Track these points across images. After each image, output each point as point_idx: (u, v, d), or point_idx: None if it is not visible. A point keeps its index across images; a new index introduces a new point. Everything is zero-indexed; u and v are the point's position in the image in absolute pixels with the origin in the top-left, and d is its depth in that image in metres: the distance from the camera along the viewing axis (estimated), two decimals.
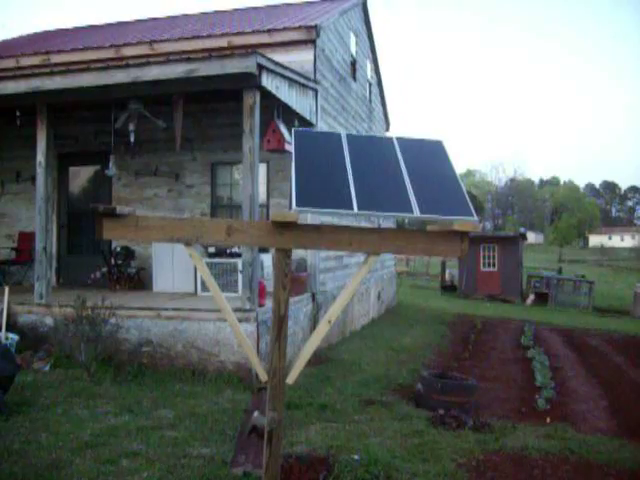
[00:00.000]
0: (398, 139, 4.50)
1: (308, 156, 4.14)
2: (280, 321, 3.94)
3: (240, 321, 8.15)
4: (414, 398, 8.18)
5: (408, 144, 4.45)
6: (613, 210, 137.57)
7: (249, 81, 8.16)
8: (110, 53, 12.25)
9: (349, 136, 4.45)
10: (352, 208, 3.73)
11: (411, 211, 3.78)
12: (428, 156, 4.39)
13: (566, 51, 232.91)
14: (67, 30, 17.67)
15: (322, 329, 4.07)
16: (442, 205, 3.89)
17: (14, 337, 8.82)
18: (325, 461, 5.32)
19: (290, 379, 4.02)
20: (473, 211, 3.85)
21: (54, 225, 12.24)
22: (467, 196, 3.99)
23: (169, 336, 8.64)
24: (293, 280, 10.38)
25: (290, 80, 9.53)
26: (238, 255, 9.83)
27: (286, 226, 3.83)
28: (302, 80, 10.17)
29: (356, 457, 5.53)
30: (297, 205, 3.67)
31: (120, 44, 12.36)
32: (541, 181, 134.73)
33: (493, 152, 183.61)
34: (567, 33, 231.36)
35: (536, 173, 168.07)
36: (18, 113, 10.01)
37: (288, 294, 3.97)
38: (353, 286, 4.02)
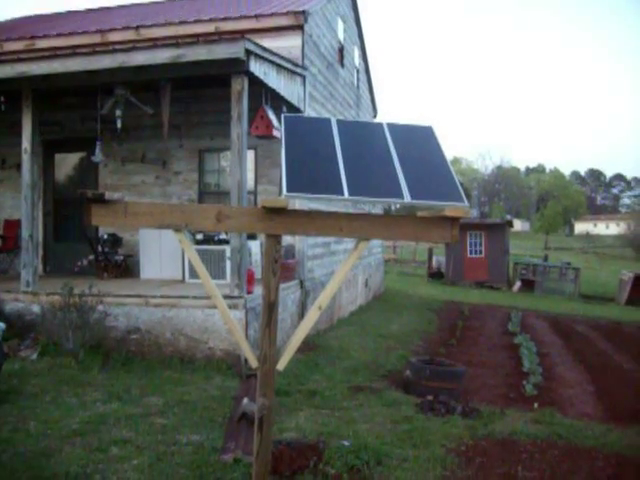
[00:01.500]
0: (388, 125, 4.48)
1: (298, 142, 4.11)
2: (270, 307, 3.94)
3: (229, 308, 8.11)
4: (403, 384, 8.21)
5: (398, 130, 4.43)
6: (598, 198, 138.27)
7: (237, 67, 8.10)
8: (96, 38, 12.11)
9: (339, 122, 4.43)
10: (343, 194, 3.72)
11: (402, 197, 3.77)
12: (418, 142, 4.38)
13: (550, 36, 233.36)
14: (52, 15, 17.43)
15: (312, 315, 4.07)
16: (433, 191, 3.88)
17: (0, 325, 8.72)
18: (315, 447, 5.33)
19: (280, 365, 4.01)
20: (464, 197, 3.85)
21: (40, 212, 12.13)
22: (458, 182, 3.99)
23: (157, 323, 8.61)
24: (281, 267, 10.34)
25: (278, 66, 9.47)
26: (226, 242, 9.79)
27: (276, 212, 3.81)
28: (290, 66, 10.11)
29: (346, 443, 5.54)
30: (288, 191, 3.65)
31: (106, 29, 12.22)
32: (527, 169, 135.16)
33: (479, 140, 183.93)
34: (551, 17, 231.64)
35: (522, 161, 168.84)
36: (2, 98, 9.88)
37: (278, 280, 3.96)
38: (343, 271, 4.01)
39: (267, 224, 3.86)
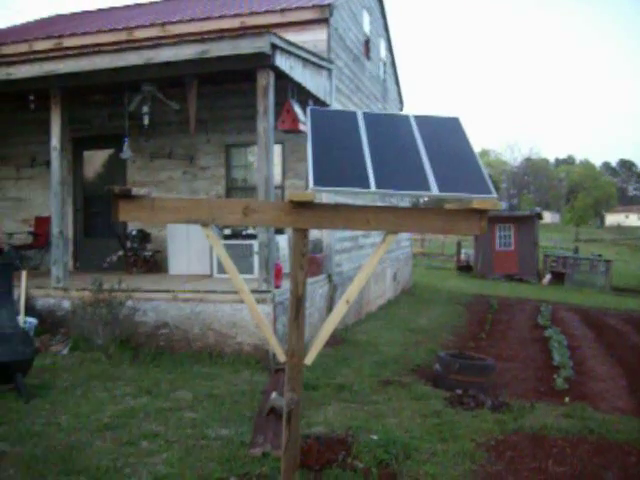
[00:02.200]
0: (415, 117, 4.43)
1: (324, 135, 4.09)
2: (298, 301, 3.92)
3: (257, 302, 8.11)
4: (432, 378, 8.17)
5: (425, 121, 4.39)
6: (630, 189, 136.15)
7: (263, 61, 8.09)
8: (122, 36, 12.20)
9: (365, 114, 4.39)
10: (369, 187, 3.69)
11: (429, 189, 3.73)
12: (445, 133, 4.33)
13: (580, 29, 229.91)
14: (79, 14, 17.62)
15: (340, 309, 4.05)
16: (460, 183, 3.84)
17: (32, 321, 8.88)
18: (344, 441, 5.32)
19: (308, 360, 4.00)
20: (492, 188, 3.80)
21: (70, 209, 12.26)
22: (486, 173, 3.93)
23: (186, 318, 8.66)
24: (309, 261, 10.36)
25: (304, 60, 9.44)
26: (254, 237, 9.81)
27: (303, 206, 3.79)
28: (316, 60, 10.08)
29: (375, 437, 5.52)
30: (314, 184, 3.63)
31: (132, 26, 12.31)
32: (557, 160, 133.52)
33: (508, 131, 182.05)
34: (583, 10, 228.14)
35: (552, 152, 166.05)
36: (32, 97, 9.99)
37: (306, 274, 3.94)
38: (371, 265, 3.98)
39: (294, 218, 3.84)
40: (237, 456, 5.03)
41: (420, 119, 4.41)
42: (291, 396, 3.94)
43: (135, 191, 3.88)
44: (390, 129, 4.31)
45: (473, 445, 5.57)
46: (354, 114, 4.40)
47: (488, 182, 3.85)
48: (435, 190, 3.72)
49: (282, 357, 4.00)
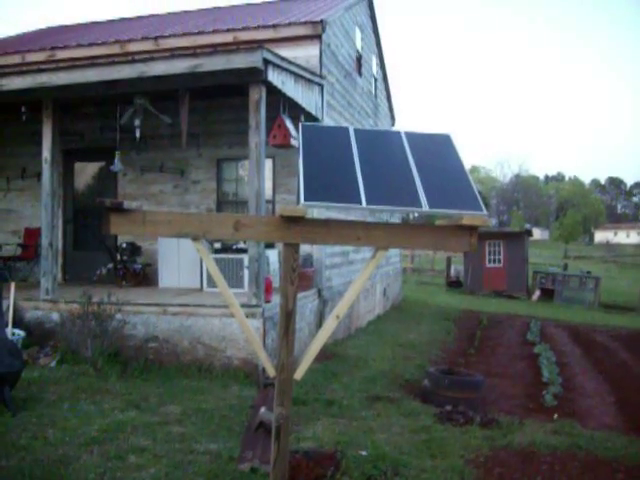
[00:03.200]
0: (406, 133, 4.46)
1: (316, 150, 4.11)
2: (288, 316, 3.93)
3: (247, 317, 8.11)
4: (421, 394, 8.16)
5: (416, 138, 4.42)
6: (619, 206, 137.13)
7: (255, 76, 8.13)
8: (115, 49, 12.22)
9: (357, 130, 4.42)
10: (361, 203, 3.71)
11: (420, 205, 3.76)
12: (436, 150, 4.36)
13: (571, 48, 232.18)
14: (72, 26, 17.66)
15: (330, 324, 4.06)
16: (451, 199, 3.86)
17: (20, 333, 8.82)
18: (332, 457, 5.30)
19: (298, 375, 4.00)
20: (482, 205, 3.83)
21: (60, 221, 12.24)
22: (476, 190, 3.96)
23: (175, 332, 8.63)
24: (299, 276, 10.34)
25: (296, 75, 9.50)
26: (244, 251, 9.81)
27: (294, 221, 3.80)
28: (308, 75, 10.14)
29: (364, 453, 5.52)
30: (305, 199, 3.65)
31: (125, 40, 12.34)
32: (546, 177, 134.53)
33: (498, 148, 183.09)
34: (573, 32, 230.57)
35: (541, 169, 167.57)
36: (23, 109, 9.98)
37: (296, 289, 3.95)
38: (361, 280, 4.00)
39: (285, 233, 3.85)
40: (225, 471, 5.01)
41: (411, 135, 4.44)
42: (280, 411, 3.94)
43: (126, 204, 3.89)
44: (381, 145, 4.34)
45: (462, 461, 5.57)
46: (346, 130, 4.43)
47: (478, 199, 3.87)
48: (425, 206, 3.74)
49: (272, 372, 4.00)
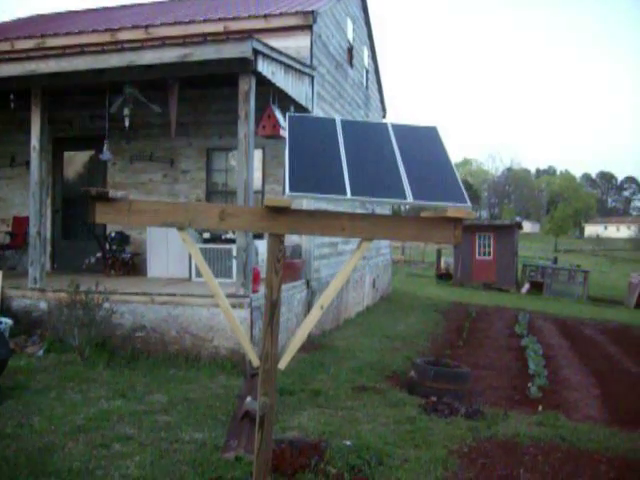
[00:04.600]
0: (393, 125, 4.47)
1: (302, 141, 4.12)
2: (272, 306, 3.93)
3: (234, 307, 8.13)
4: (407, 385, 8.19)
5: (402, 130, 4.43)
6: (609, 200, 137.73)
7: (245, 66, 8.11)
8: (106, 37, 12.16)
9: (344, 122, 4.43)
10: (345, 193, 3.72)
11: (404, 197, 3.77)
12: (422, 142, 4.37)
13: (563, 39, 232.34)
14: (62, 14, 17.53)
15: (314, 314, 4.07)
16: (435, 191, 3.88)
17: (8, 321, 8.80)
18: (317, 446, 5.33)
19: (282, 364, 4.02)
20: (467, 197, 3.84)
21: (49, 210, 12.18)
22: (461, 182, 3.98)
23: (163, 321, 8.63)
24: (288, 266, 10.37)
25: (286, 66, 9.48)
26: (233, 241, 9.81)
27: (280, 211, 3.81)
28: (298, 66, 10.12)
29: (348, 443, 5.55)
30: (290, 190, 3.66)
31: (116, 28, 12.27)
32: (538, 171, 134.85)
33: (490, 141, 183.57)
34: (565, 22, 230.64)
35: (533, 162, 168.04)
36: (12, 96, 9.92)
37: (281, 280, 3.96)
38: (346, 271, 4.01)
39: (270, 223, 3.86)
40: (210, 460, 5.03)
41: (398, 127, 4.45)
42: (264, 400, 3.95)
43: (112, 193, 3.89)
44: (368, 137, 4.34)
45: (446, 452, 5.61)
46: (333, 121, 4.43)
47: (463, 191, 3.89)
48: (410, 198, 3.75)
49: (256, 361, 4.01)
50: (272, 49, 8.72)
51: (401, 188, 3.82)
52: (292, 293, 10.17)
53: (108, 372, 7.67)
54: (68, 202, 13.09)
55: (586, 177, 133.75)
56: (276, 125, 9.55)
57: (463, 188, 3.93)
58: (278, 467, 4.81)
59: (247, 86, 8.24)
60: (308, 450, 5.20)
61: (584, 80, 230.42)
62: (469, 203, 3.81)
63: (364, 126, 4.74)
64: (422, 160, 4.16)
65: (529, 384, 8.92)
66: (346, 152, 4.05)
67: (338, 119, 4.45)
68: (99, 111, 11.34)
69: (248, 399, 5.98)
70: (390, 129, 4.41)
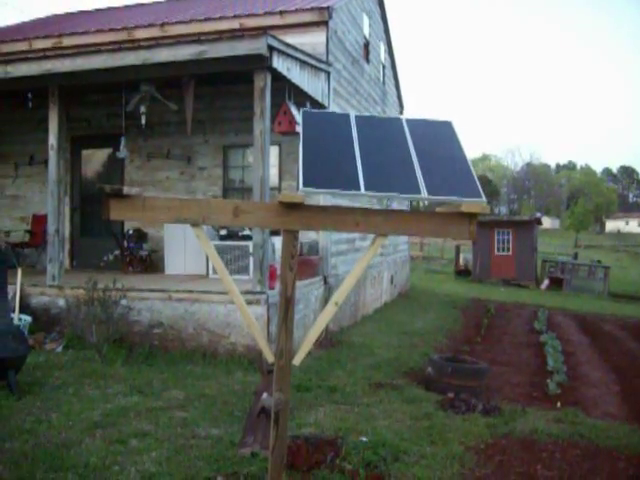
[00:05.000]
0: (407, 120, 4.45)
1: (316, 137, 4.11)
2: (287, 302, 3.92)
3: (250, 303, 8.17)
4: (424, 381, 8.17)
5: (417, 125, 4.40)
6: (630, 195, 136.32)
7: (260, 63, 8.11)
8: (122, 35, 12.22)
9: (357, 117, 4.41)
10: (359, 189, 3.70)
11: (419, 192, 3.74)
12: (437, 137, 4.34)
13: (581, 35, 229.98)
14: (79, 13, 17.65)
15: (329, 311, 4.06)
16: (450, 186, 3.84)
17: (27, 318, 8.88)
18: (333, 443, 5.33)
19: (296, 360, 4.01)
20: (482, 192, 3.80)
21: (67, 208, 12.29)
22: (476, 177, 3.94)
23: (180, 318, 8.67)
24: (305, 263, 10.37)
25: (302, 62, 9.46)
26: (250, 238, 9.82)
27: (293, 207, 3.80)
28: (314, 62, 10.10)
29: (364, 439, 5.54)
30: (303, 185, 3.65)
31: (132, 26, 12.32)
32: (557, 166, 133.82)
33: (509, 136, 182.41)
34: (583, 18, 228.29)
35: (552, 157, 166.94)
36: (30, 95, 10.00)
37: (295, 276, 3.94)
38: (361, 267, 3.99)
39: (284, 219, 3.85)
40: (226, 455, 5.04)
41: (412, 122, 4.42)
42: (279, 396, 3.95)
43: (126, 190, 3.90)
44: (382, 132, 4.32)
45: (462, 448, 5.57)
46: (347, 116, 4.41)
47: (477, 185, 3.85)
48: (424, 193, 3.73)
49: (270, 358, 4.01)
50: (287, 45, 8.70)
51: (415, 183, 3.79)
52: (309, 290, 10.16)
53: (125, 369, 7.71)
54: (86, 200, 13.19)
55: (607, 172, 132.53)
56: (292, 121, 9.54)
57: (478, 183, 3.89)
58: (293, 463, 4.81)
59: (262, 82, 8.23)
60: (324, 446, 5.19)
61: (606, 75, 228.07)
62: (484, 198, 3.77)
63: (378, 121, 4.71)
64: (437, 155, 4.13)
65: (547, 380, 8.85)
66: (360, 147, 4.03)
67: (352, 114, 4.44)
68: (116, 109, 11.41)
69: (264, 395, 5.98)
70: (404, 124, 4.38)
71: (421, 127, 4.40)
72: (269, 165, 8.57)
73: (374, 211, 3.98)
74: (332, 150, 4.03)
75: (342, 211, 3.92)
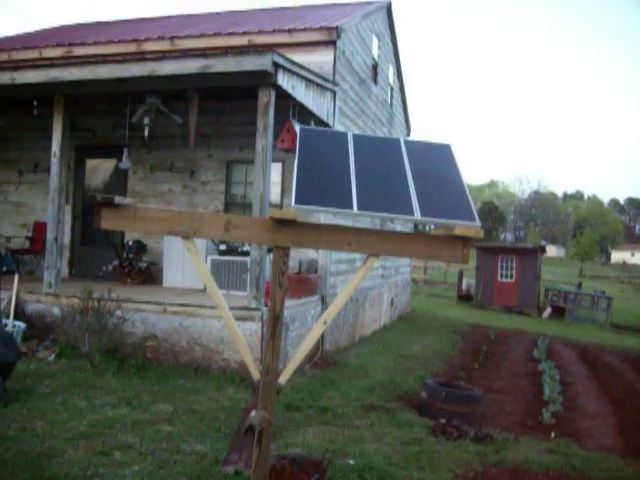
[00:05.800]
0: (405, 141, 4.44)
1: (312, 154, 4.09)
2: (275, 320, 3.88)
3: (246, 320, 8.12)
4: (417, 406, 8.08)
5: (415, 146, 4.39)
6: (637, 227, 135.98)
7: (265, 79, 8.12)
8: (132, 47, 12.28)
9: (355, 136, 4.39)
10: (352, 208, 3.66)
11: (412, 213, 3.70)
12: (435, 159, 4.32)
13: (592, 64, 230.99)
14: (90, 24, 17.80)
15: (317, 330, 4.01)
16: (445, 209, 3.81)
17: (21, 325, 8.84)
18: (319, 464, 5.24)
19: (282, 379, 3.96)
20: (476, 216, 3.76)
21: (68, 216, 12.28)
22: (471, 201, 3.91)
23: (174, 331, 8.61)
24: (303, 281, 10.32)
25: (307, 80, 9.48)
26: (249, 254, 9.78)
27: (285, 223, 3.77)
28: (320, 81, 10.12)
29: (351, 462, 5.46)
30: (295, 202, 3.61)
31: (142, 39, 12.39)
32: (565, 195, 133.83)
33: (517, 163, 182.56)
34: (594, 46, 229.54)
35: (560, 186, 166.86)
36: (36, 103, 10.04)
37: (284, 293, 3.90)
38: (352, 286, 3.94)
39: (275, 235, 3.82)
40: (209, 472, 4.98)
41: (410, 143, 4.41)
42: (263, 414, 3.90)
43: (117, 200, 3.87)
44: (379, 152, 4.30)
45: (451, 476, 5.50)
46: (344, 135, 4.40)
47: (472, 210, 3.81)
48: (417, 214, 3.69)
49: (256, 375, 3.96)
50: (293, 63, 8.72)
51: (409, 204, 3.76)
52: (306, 308, 10.10)
53: (116, 380, 7.65)
54: (88, 209, 13.16)
55: (614, 203, 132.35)
56: (295, 139, 9.52)
57: (473, 207, 3.86)
58: None
59: (266, 99, 8.24)
60: (309, 468, 5.11)
61: (614, 105, 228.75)
62: (478, 222, 3.72)
63: (376, 141, 4.69)
64: (433, 177, 4.10)
65: (543, 410, 8.74)
66: (356, 166, 4.00)
67: (350, 133, 4.42)
68: (122, 120, 11.43)
69: (253, 413, 5.91)
70: (402, 145, 4.36)
71: (419, 149, 4.37)
72: (270, 181, 8.55)
73: (367, 231, 3.94)
74: (327, 168, 4.01)
75: (335, 230, 3.89)
